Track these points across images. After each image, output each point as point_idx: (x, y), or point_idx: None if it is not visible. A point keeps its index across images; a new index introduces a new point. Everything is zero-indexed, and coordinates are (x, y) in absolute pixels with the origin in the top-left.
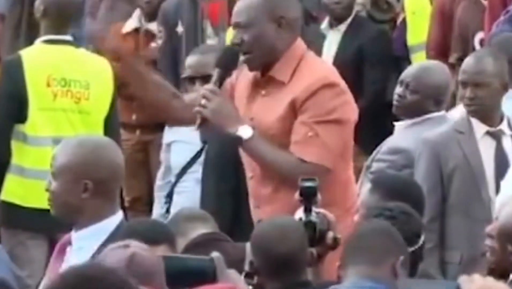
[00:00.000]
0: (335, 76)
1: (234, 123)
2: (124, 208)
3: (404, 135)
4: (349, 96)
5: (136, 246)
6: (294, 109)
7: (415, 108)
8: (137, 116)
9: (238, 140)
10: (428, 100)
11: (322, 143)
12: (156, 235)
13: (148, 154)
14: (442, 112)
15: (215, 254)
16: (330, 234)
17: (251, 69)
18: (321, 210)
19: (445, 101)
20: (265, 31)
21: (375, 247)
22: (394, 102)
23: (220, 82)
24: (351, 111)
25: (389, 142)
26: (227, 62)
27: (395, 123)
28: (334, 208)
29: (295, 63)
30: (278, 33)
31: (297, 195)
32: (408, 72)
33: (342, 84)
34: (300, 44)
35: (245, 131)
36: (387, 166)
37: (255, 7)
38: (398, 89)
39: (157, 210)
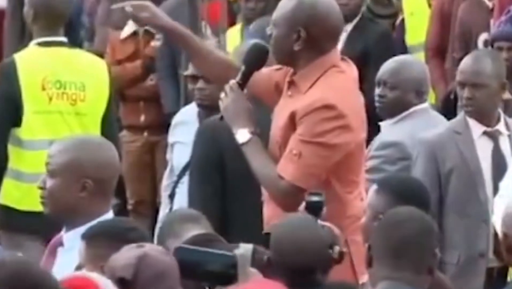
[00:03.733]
0: (336, 97)
1: (237, 123)
2: (127, 211)
3: (393, 130)
4: (349, 121)
5: (150, 247)
6: (293, 122)
7: (398, 104)
8: (145, 117)
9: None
10: (410, 94)
11: (302, 164)
12: (94, 233)
13: (154, 156)
14: (425, 104)
15: (238, 252)
16: (336, 248)
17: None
18: (327, 224)
19: (426, 92)
20: (283, 36)
21: (418, 253)
22: (376, 104)
23: (244, 79)
24: (347, 136)
25: (380, 138)
26: (253, 60)
27: (380, 123)
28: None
29: (317, 76)
30: (295, 44)
31: (301, 208)
32: (384, 70)
33: (343, 109)
34: (329, 59)
35: (242, 135)
36: (382, 162)
37: (284, 10)
38: (377, 90)
39: (163, 210)
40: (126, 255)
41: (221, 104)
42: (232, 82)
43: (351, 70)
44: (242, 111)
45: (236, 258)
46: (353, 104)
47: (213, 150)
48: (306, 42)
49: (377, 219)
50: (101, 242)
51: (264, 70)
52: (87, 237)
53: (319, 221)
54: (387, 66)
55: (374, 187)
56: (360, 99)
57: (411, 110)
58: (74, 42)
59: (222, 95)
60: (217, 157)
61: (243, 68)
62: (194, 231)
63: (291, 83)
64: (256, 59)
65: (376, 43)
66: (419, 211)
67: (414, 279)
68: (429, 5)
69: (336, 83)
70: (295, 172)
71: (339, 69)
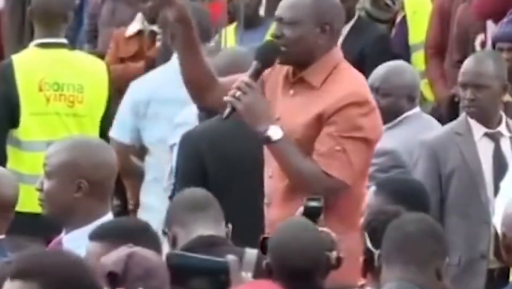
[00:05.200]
0: (365, 91)
1: (265, 121)
2: (128, 212)
3: (387, 137)
4: (377, 114)
5: (140, 248)
6: (320, 121)
7: (391, 110)
8: None
9: (266, 140)
10: (402, 100)
11: (347, 160)
12: (106, 233)
13: None
14: (417, 109)
15: (230, 257)
16: (334, 254)
17: (282, 63)
18: (325, 229)
19: (417, 97)
20: (307, 33)
21: (423, 250)
22: None
23: (256, 75)
24: (378, 130)
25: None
26: (266, 57)
27: None
28: (341, 223)
29: (329, 70)
30: (319, 38)
31: (299, 213)
32: (375, 77)
33: (371, 100)
34: (337, 52)
35: (275, 132)
36: (375, 170)
37: (304, 7)
38: None
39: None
40: (117, 253)
41: (240, 104)
42: (246, 78)
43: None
44: (267, 108)
45: (228, 264)
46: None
47: (194, 161)
48: (330, 35)
49: (369, 222)
50: (114, 242)
51: (228, 79)
52: (99, 237)
53: (317, 226)
54: (378, 72)
55: (373, 188)
56: None
57: (404, 115)
58: (71, 42)
59: (238, 93)
60: (198, 167)
61: (256, 64)
62: (201, 222)
63: (298, 82)
64: (270, 56)
65: (373, 45)
66: (424, 215)
67: (420, 277)
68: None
69: (353, 76)
70: (342, 168)
71: (345, 64)
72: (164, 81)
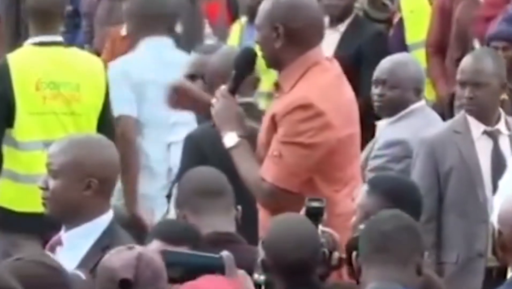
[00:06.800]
0: (317, 97)
1: (226, 128)
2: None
3: (395, 128)
4: (328, 119)
5: (141, 248)
6: (274, 123)
7: (398, 102)
8: None
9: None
10: (409, 92)
11: (283, 165)
12: (177, 235)
13: None
14: (423, 102)
15: (225, 253)
16: (336, 255)
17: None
18: (327, 230)
19: (423, 90)
20: (264, 37)
21: (401, 247)
22: (375, 103)
23: (235, 84)
24: (327, 134)
25: (382, 137)
26: (242, 65)
27: (377, 122)
28: None
29: (299, 74)
30: (275, 42)
31: (301, 214)
32: (381, 70)
33: (322, 106)
34: (311, 56)
35: (229, 139)
36: (387, 160)
37: (263, 12)
38: (375, 90)
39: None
40: (122, 256)
41: (212, 110)
42: (223, 88)
43: (334, 67)
44: (232, 116)
45: (224, 261)
46: (334, 100)
47: (197, 161)
48: (286, 38)
49: (367, 219)
50: (184, 245)
51: None
52: (171, 239)
53: (320, 227)
54: (384, 65)
55: (365, 187)
56: (345, 95)
57: (410, 108)
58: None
59: (214, 101)
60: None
61: (233, 73)
62: (212, 210)
63: (276, 85)
64: (245, 64)
65: (370, 42)
66: (399, 212)
67: (401, 275)
68: (430, 3)
69: (317, 80)
70: (276, 173)
71: (321, 66)
72: (151, 63)
